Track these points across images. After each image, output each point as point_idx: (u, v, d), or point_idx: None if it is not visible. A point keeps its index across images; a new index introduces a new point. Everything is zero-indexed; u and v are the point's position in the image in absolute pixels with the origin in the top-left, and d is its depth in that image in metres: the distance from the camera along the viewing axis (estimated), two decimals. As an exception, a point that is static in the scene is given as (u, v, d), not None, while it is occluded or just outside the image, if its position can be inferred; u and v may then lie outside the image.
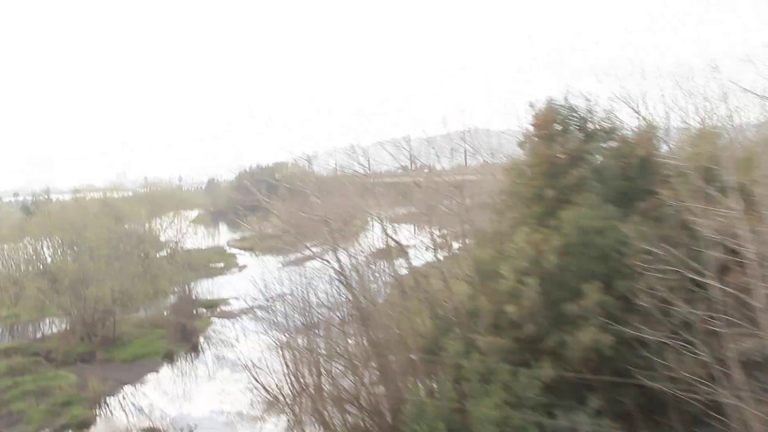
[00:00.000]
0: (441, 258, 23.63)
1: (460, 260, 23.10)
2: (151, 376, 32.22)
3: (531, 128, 19.17)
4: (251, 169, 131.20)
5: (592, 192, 16.51)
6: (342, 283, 41.37)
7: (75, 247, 38.57)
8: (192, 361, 34.72)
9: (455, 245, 24.70)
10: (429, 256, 25.76)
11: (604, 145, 18.05)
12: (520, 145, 21.21)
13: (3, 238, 46.59)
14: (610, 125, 18.23)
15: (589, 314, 14.65)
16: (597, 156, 17.98)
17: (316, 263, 63.30)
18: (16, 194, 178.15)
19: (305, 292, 38.49)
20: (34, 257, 38.78)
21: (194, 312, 43.19)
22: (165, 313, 42.46)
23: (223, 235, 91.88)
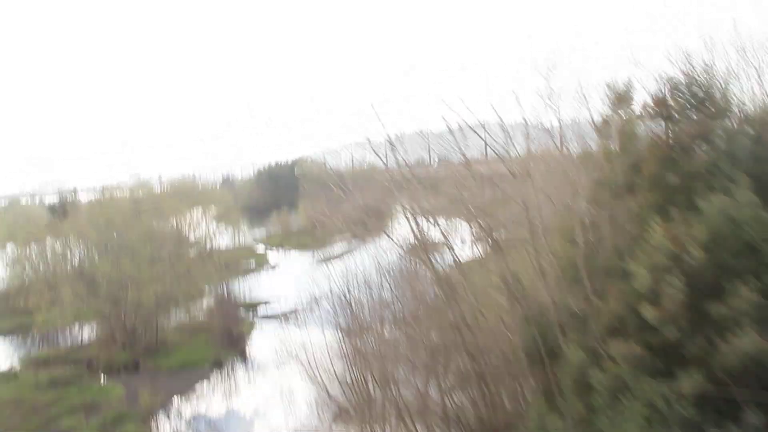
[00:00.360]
0: (487, 252, 21.79)
1: (522, 255, 21.19)
2: (202, 386, 30.62)
3: (629, 109, 17.36)
4: (271, 166, 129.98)
5: (725, 177, 14.61)
6: (396, 279, 39.91)
7: (115, 249, 36.94)
8: (244, 369, 33.08)
9: (498, 238, 22.83)
10: (470, 252, 24.11)
11: (730, 124, 16.10)
12: (605, 129, 19.45)
13: (35, 240, 45.34)
14: (727, 102, 16.36)
15: (740, 316, 12.76)
16: (722, 136, 16.09)
17: (352, 259, 61.66)
18: (33, 195, 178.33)
19: (357, 289, 37.06)
20: (70, 259, 37.29)
21: (236, 314, 41.59)
22: (204, 317, 40.93)
23: (246, 233, 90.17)
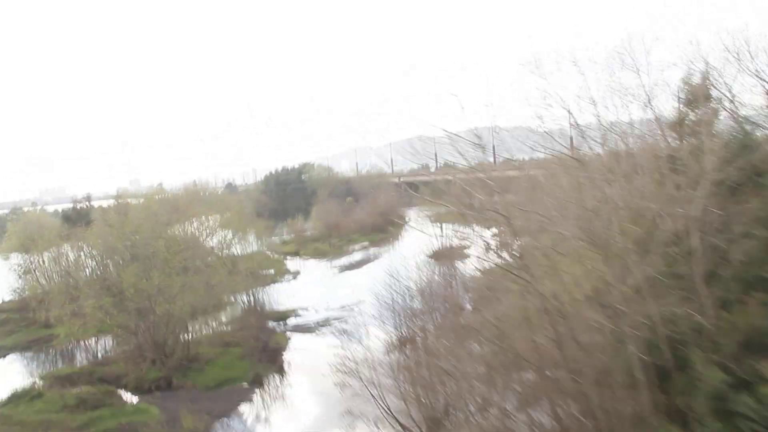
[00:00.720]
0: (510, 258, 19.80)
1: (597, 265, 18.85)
2: (245, 407, 28.29)
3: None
4: (278, 171, 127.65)
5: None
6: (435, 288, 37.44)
7: (141, 258, 34.62)
8: (286, 386, 30.71)
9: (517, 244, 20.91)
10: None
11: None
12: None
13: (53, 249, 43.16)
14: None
15: None
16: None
17: (375, 266, 59.31)
18: (34, 204, 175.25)
19: (401, 299, 34.88)
20: (95, 269, 34.90)
21: (267, 326, 39.32)
22: (234, 329, 38.60)
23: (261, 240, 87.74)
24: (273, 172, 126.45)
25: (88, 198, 54.66)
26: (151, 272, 32.76)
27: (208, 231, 55.92)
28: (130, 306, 32.56)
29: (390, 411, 22.66)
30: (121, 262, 34.95)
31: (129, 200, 56.75)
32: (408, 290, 38.48)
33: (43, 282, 50.86)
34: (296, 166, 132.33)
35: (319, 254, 70.53)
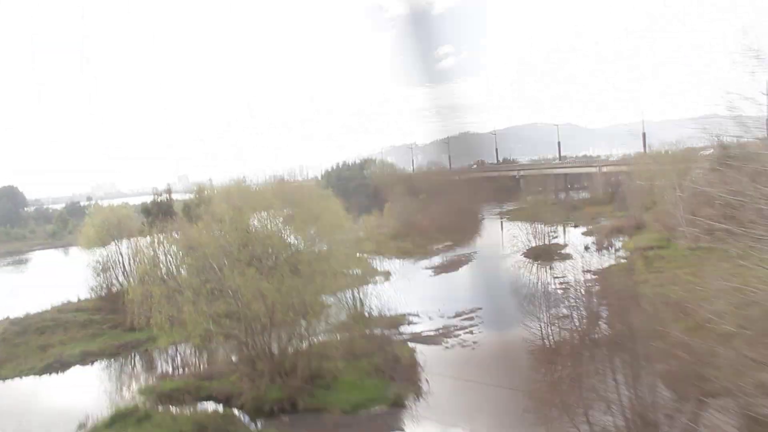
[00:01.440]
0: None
1: None
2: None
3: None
4: (338, 167, 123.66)
5: None
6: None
7: (247, 258, 30.16)
8: (434, 409, 25.61)
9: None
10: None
11: None
12: None
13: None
14: None
15: None
16: None
17: (471, 267, 53.62)
18: (89, 198, 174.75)
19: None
20: (201, 269, 30.43)
21: (383, 335, 34.49)
22: (346, 338, 33.81)
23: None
24: (334, 168, 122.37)
25: (169, 191, 50.59)
26: (269, 274, 28.28)
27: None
28: (245, 313, 28.14)
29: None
30: (226, 263, 30.39)
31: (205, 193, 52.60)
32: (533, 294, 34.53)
33: (122, 280, 47.33)
34: (357, 161, 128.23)
35: (403, 254, 65.67)
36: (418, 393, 27.12)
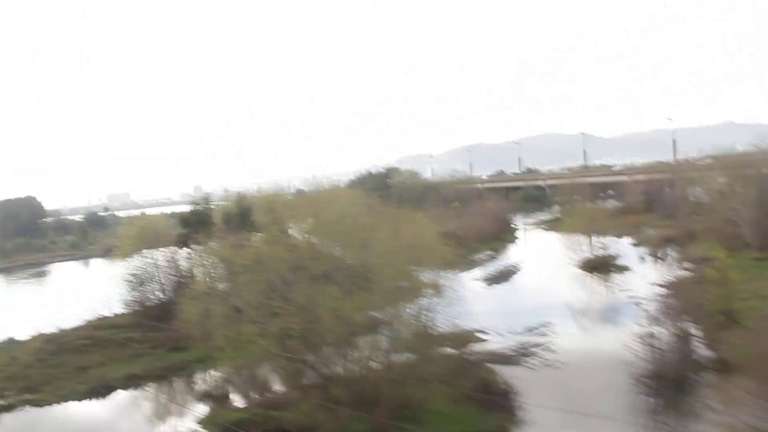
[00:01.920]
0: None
1: None
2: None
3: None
4: (363, 176, 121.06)
5: None
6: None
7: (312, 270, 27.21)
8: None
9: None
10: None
11: None
12: None
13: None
14: None
15: None
16: None
17: (523, 278, 50.69)
18: (106, 209, 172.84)
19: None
20: (270, 290, 27.37)
21: (462, 357, 31.35)
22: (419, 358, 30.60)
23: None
24: (359, 175, 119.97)
25: (207, 200, 47.72)
26: (346, 292, 25.30)
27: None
28: (318, 331, 25.13)
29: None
30: (296, 277, 27.34)
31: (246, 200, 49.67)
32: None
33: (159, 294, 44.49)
34: (381, 169, 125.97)
35: (445, 265, 62.34)
36: (520, 425, 23.97)
